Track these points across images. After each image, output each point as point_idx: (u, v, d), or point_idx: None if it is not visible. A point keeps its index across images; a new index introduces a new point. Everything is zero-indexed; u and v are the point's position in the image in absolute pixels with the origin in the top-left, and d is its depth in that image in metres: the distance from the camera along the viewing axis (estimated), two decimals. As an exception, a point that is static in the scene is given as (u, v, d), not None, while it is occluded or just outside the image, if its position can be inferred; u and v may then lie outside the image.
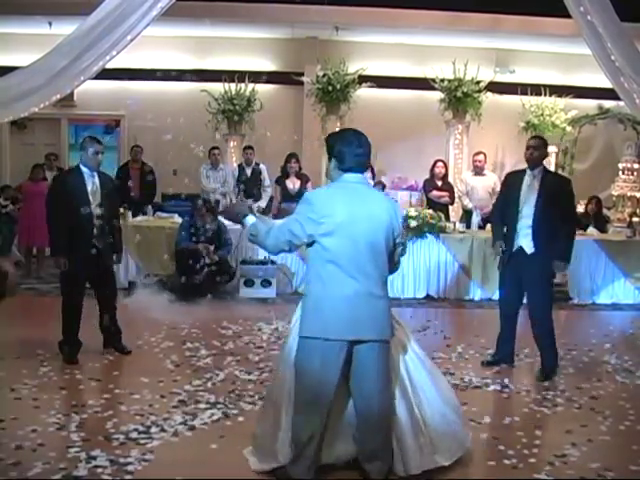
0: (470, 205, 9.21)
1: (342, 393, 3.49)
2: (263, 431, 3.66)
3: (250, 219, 3.53)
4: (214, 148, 9.46)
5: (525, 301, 5.53)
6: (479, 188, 9.24)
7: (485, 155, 9.44)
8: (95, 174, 5.50)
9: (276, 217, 8.36)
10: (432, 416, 3.61)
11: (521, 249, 5.33)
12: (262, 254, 8.11)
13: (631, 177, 9.99)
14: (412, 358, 3.67)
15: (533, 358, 5.72)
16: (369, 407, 3.43)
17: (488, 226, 8.97)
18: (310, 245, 3.38)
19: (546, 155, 5.56)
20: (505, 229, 5.51)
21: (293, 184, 9.05)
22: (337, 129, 10.48)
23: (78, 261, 5.41)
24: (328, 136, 3.61)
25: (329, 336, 3.30)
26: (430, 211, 8.47)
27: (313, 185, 9.69)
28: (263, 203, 9.41)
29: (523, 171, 5.47)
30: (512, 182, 5.52)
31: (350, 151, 3.42)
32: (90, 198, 5.43)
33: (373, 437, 3.47)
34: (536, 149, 5.39)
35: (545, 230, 5.23)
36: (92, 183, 5.47)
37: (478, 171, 9.33)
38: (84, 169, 5.47)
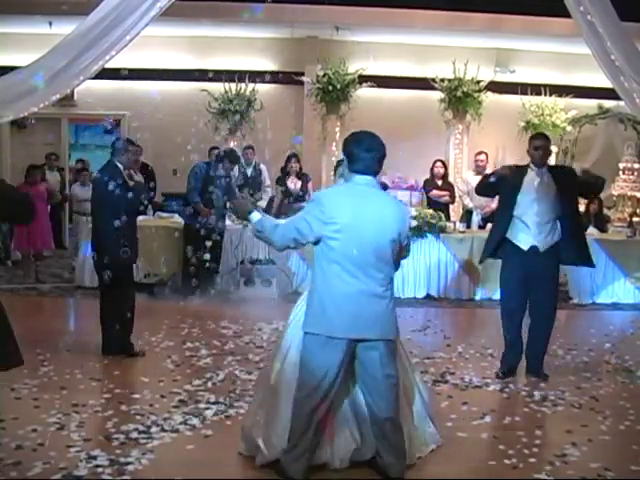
0: (471, 205, 9.21)
1: (345, 391, 3.56)
2: (255, 423, 3.69)
3: (256, 215, 3.60)
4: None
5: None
6: (480, 187, 9.22)
7: (487, 155, 9.43)
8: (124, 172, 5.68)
9: (277, 217, 8.33)
10: (417, 411, 3.82)
11: (534, 247, 5.19)
12: (262, 254, 8.12)
13: (631, 177, 9.99)
14: (402, 354, 3.82)
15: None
16: (379, 406, 3.49)
17: (488, 226, 8.98)
18: (316, 244, 3.44)
19: (551, 152, 5.51)
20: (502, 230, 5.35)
21: (294, 184, 9.04)
22: (337, 129, 10.56)
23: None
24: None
25: (332, 334, 3.37)
26: (430, 211, 8.47)
27: (314, 185, 9.70)
28: (263, 203, 9.39)
29: (525, 168, 5.35)
30: (514, 177, 5.34)
31: (358, 153, 3.47)
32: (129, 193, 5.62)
33: (392, 436, 3.53)
34: (545, 149, 5.32)
35: (552, 227, 5.20)
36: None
37: (480, 171, 9.29)
38: (121, 167, 5.62)
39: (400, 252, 3.57)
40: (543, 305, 5.29)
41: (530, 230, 5.20)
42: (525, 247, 5.22)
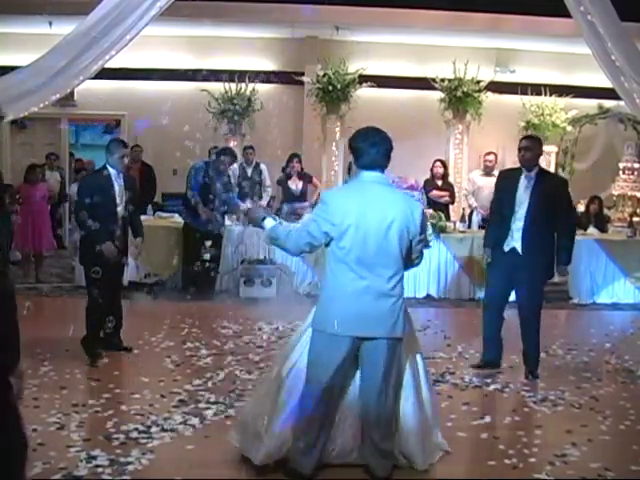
0: (475, 204, 9.21)
1: (350, 390, 3.57)
2: (256, 412, 3.67)
3: (269, 222, 3.62)
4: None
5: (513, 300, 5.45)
6: (486, 188, 9.19)
7: (496, 155, 9.39)
8: (121, 175, 5.55)
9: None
10: (430, 416, 3.73)
11: (514, 249, 5.24)
12: (262, 254, 8.13)
13: (631, 177, 9.98)
14: (419, 360, 3.75)
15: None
16: (377, 404, 3.48)
17: (489, 226, 8.99)
18: (328, 244, 3.47)
19: (540, 154, 5.42)
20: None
21: (296, 185, 9.05)
22: (337, 129, 10.54)
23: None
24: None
25: (335, 331, 3.39)
26: (430, 211, 8.47)
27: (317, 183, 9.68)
28: (264, 203, 9.40)
29: (518, 170, 5.35)
30: (507, 182, 5.41)
31: (364, 148, 3.49)
32: (117, 199, 5.49)
33: (383, 435, 3.51)
34: (528, 150, 5.26)
35: (537, 231, 5.15)
36: (118, 184, 5.52)
37: (488, 171, 9.28)
38: (111, 170, 5.49)
39: (411, 248, 3.52)
40: (525, 306, 5.31)
41: (511, 233, 5.23)
42: (506, 249, 5.27)
